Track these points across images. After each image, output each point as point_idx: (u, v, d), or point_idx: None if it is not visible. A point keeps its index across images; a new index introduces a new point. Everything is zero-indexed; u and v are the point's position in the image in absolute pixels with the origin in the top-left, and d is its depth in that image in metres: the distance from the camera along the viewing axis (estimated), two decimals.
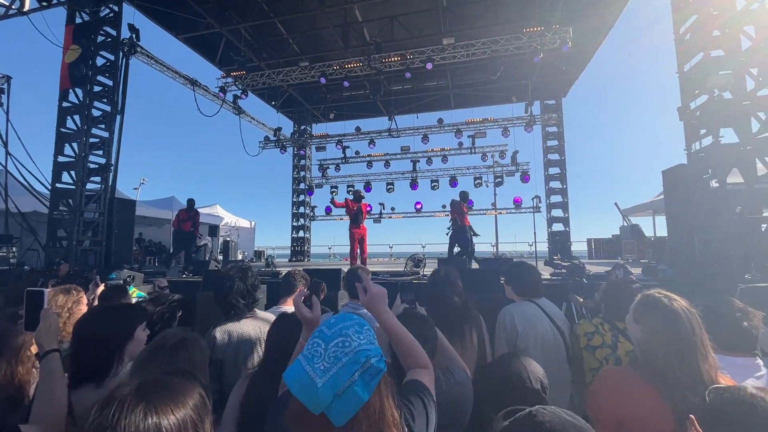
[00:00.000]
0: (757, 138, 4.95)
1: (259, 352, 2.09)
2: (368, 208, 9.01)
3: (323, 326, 0.84)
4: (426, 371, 1.15)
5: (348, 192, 16.86)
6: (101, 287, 3.00)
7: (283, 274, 2.94)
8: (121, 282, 4.00)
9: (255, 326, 2.24)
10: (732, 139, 5.07)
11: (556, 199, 14.15)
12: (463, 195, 8.56)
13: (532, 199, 14.89)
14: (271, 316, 2.33)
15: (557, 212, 14.03)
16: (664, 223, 8.73)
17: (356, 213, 8.45)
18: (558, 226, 13.95)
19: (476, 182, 16.09)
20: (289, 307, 2.60)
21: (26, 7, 8.51)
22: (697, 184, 5.36)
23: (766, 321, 2.02)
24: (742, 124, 4.99)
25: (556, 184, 14.20)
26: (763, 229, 4.88)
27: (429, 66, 10.50)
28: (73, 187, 7.86)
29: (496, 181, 15.80)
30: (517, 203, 15.48)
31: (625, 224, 14.08)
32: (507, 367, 1.37)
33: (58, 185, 7.92)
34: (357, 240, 8.44)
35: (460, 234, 8.28)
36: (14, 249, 9.93)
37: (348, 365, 0.74)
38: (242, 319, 2.26)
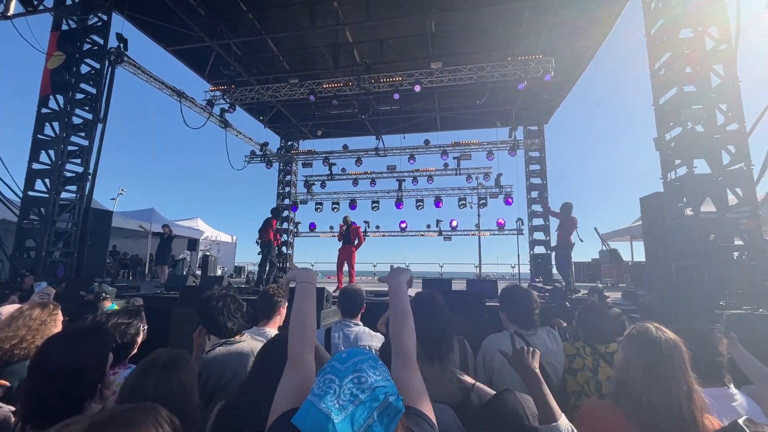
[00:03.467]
0: (727, 170, 5.20)
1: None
2: (360, 230, 9.10)
3: (335, 361, 0.79)
4: (414, 371, 1.09)
5: (333, 209, 16.90)
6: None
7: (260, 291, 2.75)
8: (92, 297, 3.80)
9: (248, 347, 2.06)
10: (705, 169, 5.31)
11: (538, 222, 14.41)
12: (564, 207, 7.55)
13: (516, 221, 15.22)
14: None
15: (539, 235, 14.27)
16: (641, 248, 8.98)
17: (345, 234, 8.61)
18: (540, 249, 14.15)
19: (461, 203, 16.29)
20: (271, 329, 2.42)
21: (11, 12, 8.35)
22: (673, 212, 5.55)
23: (749, 350, 2.06)
24: (714, 156, 5.25)
25: (538, 208, 14.49)
26: (734, 257, 5.06)
27: (417, 88, 10.74)
28: (47, 195, 7.55)
29: (480, 202, 16.02)
30: (501, 225, 15.69)
31: (604, 248, 14.44)
32: (504, 404, 1.36)
33: (30, 193, 7.60)
34: (344, 260, 8.56)
35: (558, 250, 7.53)
36: None
37: (366, 403, 0.69)
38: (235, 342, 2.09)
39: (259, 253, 8.81)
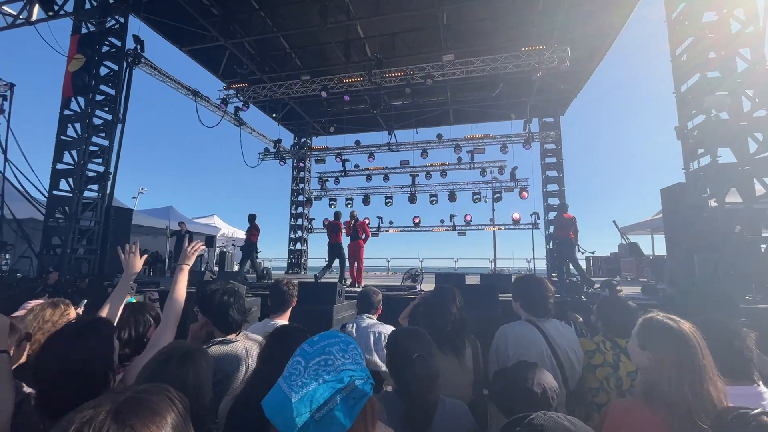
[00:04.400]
0: (754, 158, 4.97)
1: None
2: (367, 222, 9.11)
3: (305, 344, 0.78)
4: None
5: (346, 204, 16.94)
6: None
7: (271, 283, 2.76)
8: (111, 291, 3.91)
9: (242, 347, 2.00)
10: (729, 158, 5.09)
11: (554, 215, 14.13)
12: (561, 206, 7.92)
13: (531, 215, 14.97)
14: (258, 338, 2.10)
15: None
16: (662, 241, 8.70)
17: (353, 229, 8.63)
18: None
19: (475, 198, 16.10)
20: (283, 321, 2.45)
21: (34, 17, 8.66)
22: (696, 204, 5.35)
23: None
24: (740, 144, 5.03)
25: (554, 201, 14.20)
26: (762, 250, 4.85)
27: (429, 82, 10.63)
28: (71, 194, 7.82)
29: (495, 196, 15.82)
30: (516, 219, 15.46)
31: (624, 242, 14.04)
32: (516, 371, 1.40)
33: (55, 192, 7.88)
34: (353, 255, 8.60)
35: (562, 249, 7.71)
36: (7, 256, 9.82)
37: (329, 383, 0.68)
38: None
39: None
